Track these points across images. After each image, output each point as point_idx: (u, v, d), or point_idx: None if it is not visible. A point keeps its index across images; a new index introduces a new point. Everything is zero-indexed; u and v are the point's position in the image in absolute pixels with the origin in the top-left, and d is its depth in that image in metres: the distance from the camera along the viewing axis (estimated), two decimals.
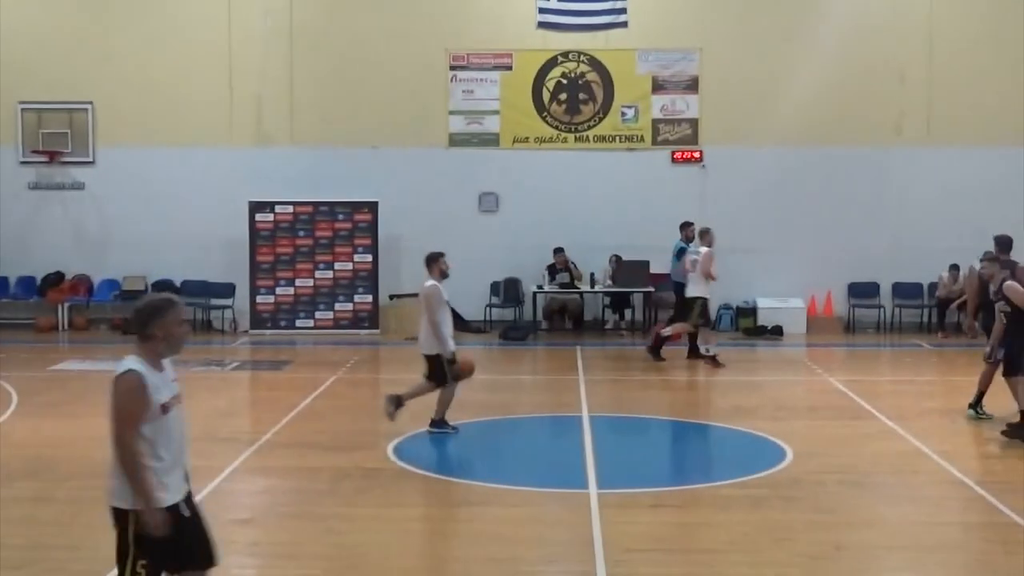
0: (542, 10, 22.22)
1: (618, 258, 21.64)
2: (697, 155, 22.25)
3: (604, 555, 8.53)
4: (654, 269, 21.56)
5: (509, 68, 22.52)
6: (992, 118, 21.76)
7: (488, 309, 22.27)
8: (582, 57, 22.42)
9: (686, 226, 18.93)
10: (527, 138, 22.55)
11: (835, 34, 22.02)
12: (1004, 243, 14.06)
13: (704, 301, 17.94)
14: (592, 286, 21.77)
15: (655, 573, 8.29)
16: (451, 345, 12.63)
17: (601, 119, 22.47)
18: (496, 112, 22.56)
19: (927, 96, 21.82)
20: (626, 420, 14.22)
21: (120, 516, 5.87)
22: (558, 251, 21.81)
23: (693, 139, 22.32)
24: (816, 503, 10.23)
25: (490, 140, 22.60)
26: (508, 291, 22.43)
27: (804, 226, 21.77)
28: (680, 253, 18.80)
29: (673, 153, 22.36)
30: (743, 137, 22.01)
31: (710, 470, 11.87)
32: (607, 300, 22.31)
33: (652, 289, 21.61)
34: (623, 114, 22.43)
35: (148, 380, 5.82)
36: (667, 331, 18.37)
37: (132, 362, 5.86)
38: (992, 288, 13.23)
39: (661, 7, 22.28)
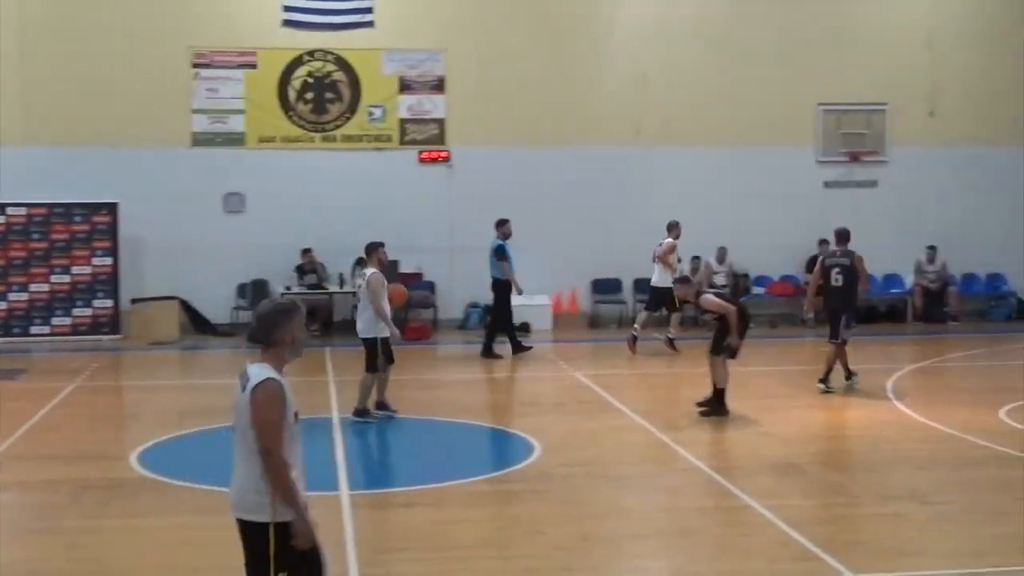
0: (287, 8, 21.94)
1: (362, 259, 21.57)
2: (444, 155, 22.42)
3: (357, 556, 8.51)
4: (403, 269, 21.60)
5: (254, 66, 22.15)
6: (719, 120, 22.72)
7: (235, 311, 21.85)
8: (328, 56, 22.26)
9: (502, 223, 19.06)
10: (273, 137, 22.24)
11: (577, 37, 22.57)
12: (843, 235, 15.71)
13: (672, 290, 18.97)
14: (341, 286, 21.65)
15: (409, 572, 8.32)
16: (394, 329, 13.53)
17: (348, 119, 22.37)
18: (241, 111, 22.16)
19: (664, 99, 22.60)
20: (377, 420, 14.20)
21: (257, 530, 5.69)
22: (306, 251, 21.60)
23: (440, 139, 22.48)
24: (565, 496, 10.47)
25: (235, 139, 22.18)
26: (255, 293, 22.04)
27: (549, 224, 22.19)
28: (499, 251, 18.86)
29: (420, 153, 22.47)
30: (490, 137, 22.29)
31: (462, 467, 11.98)
32: (355, 301, 22.18)
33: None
34: (370, 114, 22.39)
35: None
36: (636, 328, 19.18)
37: (267, 370, 5.70)
38: (691, 304, 14.20)
39: (406, 8, 22.35)
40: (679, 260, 19.65)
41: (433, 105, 22.44)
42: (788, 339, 21.02)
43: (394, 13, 22.16)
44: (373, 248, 13.79)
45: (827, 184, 23.23)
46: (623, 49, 22.63)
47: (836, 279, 15.38)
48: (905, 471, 11.61)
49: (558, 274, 22.20)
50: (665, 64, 22.64)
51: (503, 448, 12.61)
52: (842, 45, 23.01)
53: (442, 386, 16.82)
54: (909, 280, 23.02)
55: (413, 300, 21.67)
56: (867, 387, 15.36)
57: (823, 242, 22.40)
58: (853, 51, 23.02)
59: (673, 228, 19.56)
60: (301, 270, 21.64)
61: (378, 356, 13.45)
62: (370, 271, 13.49)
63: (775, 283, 23.00)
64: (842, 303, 15.39)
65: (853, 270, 15.36)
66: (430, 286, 22.15)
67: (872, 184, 23.35)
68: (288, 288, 21.44)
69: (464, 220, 22.08)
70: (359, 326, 13.66)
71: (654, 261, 19.43)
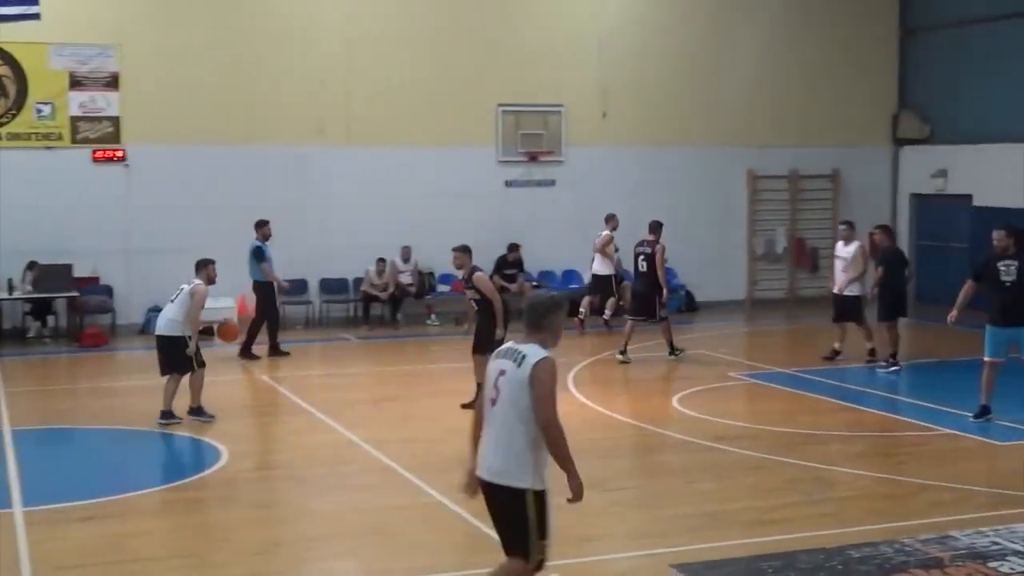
0: None
1: (33, 263, 20.56)
2: (120, 154, 21.59)
3: (33, 575, 8.12)
4: (78, 273, 20.72)
5: None
6: (402, 121, 22.82)
7: None
8: None
9: (261, 224, 19.02)
10: None
11: (257, 35, 22.15)
12: (653, 226, 18.38)
13: (611, 277, 21.08)
14: (10, 292, 20.52)
15: None
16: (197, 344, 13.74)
17: (15, 116, 21.16)
18: None
19: (346, 99, 22.56)
20: (53, 432, 13.61)
21: (517, 496, 6.44)
22: None
23: (115, 137, 21.60)
24: (254, 500, 10.34)
25: None
26: None
27: (231, 225, 21.67)
28: (256, 252, 18.73)
29: (94, 152, 21.55)
30: (169, 136, 21.59)
31: (146, 477, 11.59)
32: (27, 307, 21.11)
33: (77, 294, 20.73)
34: (39, 111, 21.27)
35: None
36: (607, 314, 20.95)
37: (541, 349, 6.53)
38: (462, 275, 14.36)
39: (76, 0, 21.38)
40: (616, 249, 21.20)
41: (107, 103, 21.55)
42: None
43: (63, 6, 21.12)
44: (203, 264, 14.13)
45: (508, 183, 23.79)
46: (303, 48, 22.39)
47: (641, 265, 18.04)
48: (586, 460, 11.99)
49: (242, 275, 21.76)
50: (346, 64, 22.57)
51: (188, 455, 12.30)
52: (519, 48, 23.59)
53: (122, 393, 16.18)
54: (587, 276, 23.85)
55: (88, 305, 20.85)
56: None
57: (512, 247, 22.91)
58: (530, 54, 23.63)
59: (610, 220, 21.02)
60: None
61: (185, 356, 13.56)
62: (197, 282, 13.82)
63: (459, 281, 23.34)
64: (649, 287, 17.89)
65: (655, 258, 17.84)
66: (107, 290, 21.29)
67: (550, 183, 24.07)
68: None
69: (143, 222, 21.35)
70: (159, 323, 13.86)
71: (595, 252, 21.05)
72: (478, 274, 14.04)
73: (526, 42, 23.64)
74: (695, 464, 11.59)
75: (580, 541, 9.15)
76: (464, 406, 13.90)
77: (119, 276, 21.26)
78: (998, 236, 13.34)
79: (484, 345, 13.68)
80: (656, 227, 18.31)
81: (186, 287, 13.82)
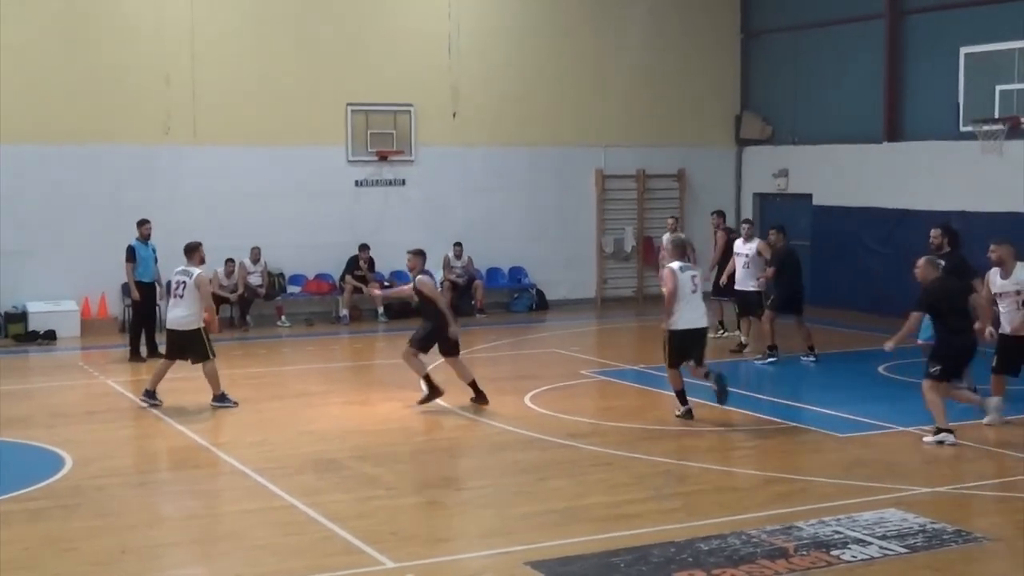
0: None
1: None
2: None
3: None
4: None
5: None
6: (251, 120, 22.51)
7: None
8: None
9: (140, 224, 18.75)
10: None
11: (99, 31, 21.55)
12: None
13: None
14: None
15: None
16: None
17: None
18: None
19: (191, 97, 22.11)
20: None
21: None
22: None
23: None
24: (98, 508, 10.08)
25: None
26: None
27: (75, 225, 21.17)
28: (128, 251, 18.45)
29: None
30: (8, 134, 20.77)
31: None
32: None
33: None
34: None
35: None
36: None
37: None
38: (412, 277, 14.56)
39: None
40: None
41: None
42: (324, 336, 21.28)
43: None
44: (194, 247, 14.61)
45: (358, 183, 23.64)
46: (148, 44, 21.84)
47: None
48: (438, 460, 12.09)
49: (86, 278, 21.21)
50: (192, 61, 22.10)
51: (28, 463, 11.90)
52: (368, 47, 23.44)
53: None
54: (439, 275, 23.86)
55: None
56: (399, 381, 15.73)
57: (362, 248, 22.75)
58: (379, 53, 23.50)
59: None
60: None
61: (208, 342, 14.33)
62: (196, 270, 14.34)
63: (311, 281, 23.16)
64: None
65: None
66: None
67: (401, 183, 24.01)
68: None
69: None
70: (182, 319, 14.28)
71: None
72: (420, 277, 14.29)
73: (376, 41, 23.53)
74: (546, 462, 11.68)
75: (433, 542, 9.17)
76: (421, 402, 14.26)
77: None
78: (934, 234, 14.40)
79: (422, 342, 14.20)
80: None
81: (187, 280, 14.26)
